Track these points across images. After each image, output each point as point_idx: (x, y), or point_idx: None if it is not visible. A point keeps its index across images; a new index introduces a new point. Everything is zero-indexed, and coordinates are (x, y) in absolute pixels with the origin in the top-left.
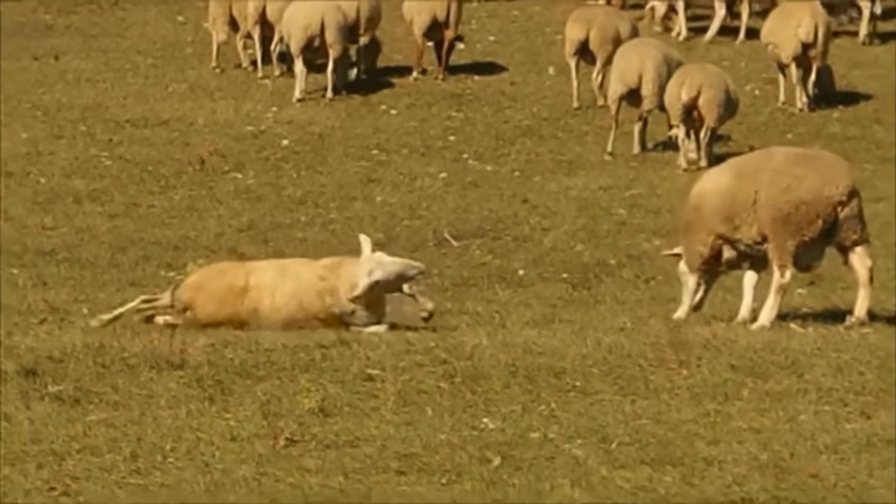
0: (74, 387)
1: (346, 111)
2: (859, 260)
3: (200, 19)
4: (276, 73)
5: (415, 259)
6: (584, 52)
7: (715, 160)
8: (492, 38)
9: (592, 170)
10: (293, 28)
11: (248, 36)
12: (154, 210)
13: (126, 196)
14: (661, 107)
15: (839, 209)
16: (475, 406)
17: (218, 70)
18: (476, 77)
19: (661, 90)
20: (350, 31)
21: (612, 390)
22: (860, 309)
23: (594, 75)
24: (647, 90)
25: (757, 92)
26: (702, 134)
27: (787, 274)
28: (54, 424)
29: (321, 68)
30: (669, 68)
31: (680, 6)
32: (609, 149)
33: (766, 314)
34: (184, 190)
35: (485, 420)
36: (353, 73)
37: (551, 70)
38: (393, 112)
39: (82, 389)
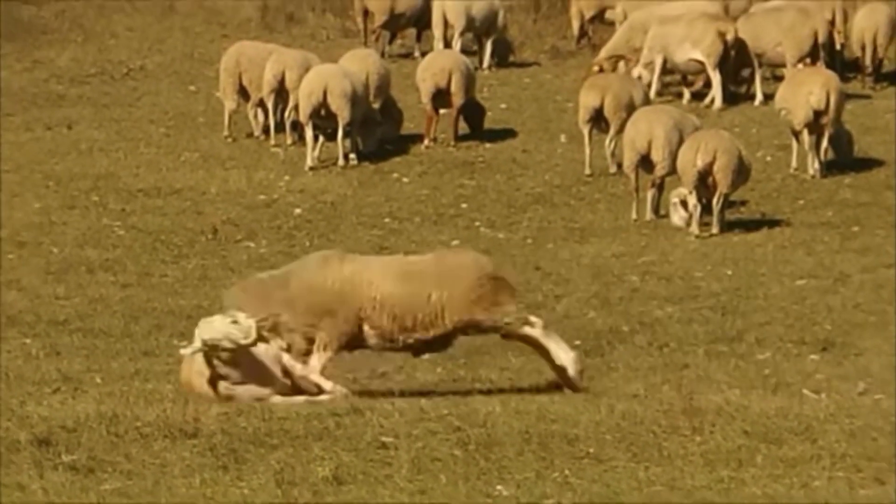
0: (88, 456)
1: (359, 179)
2: None
3: (212, 89)
4: (289, 141)
5: None
6: (597, 119)
7: (726, 227)
8: (503, 105)
9: (605, 237)
10: (300, 95)
11: (260, 104)
12: (167, 279)
13: (139, 266)
14: (674, 172)
15: None
16: (489, 473)
17: (230, 139)
18: (488, 144)
19: (673, 156)
20: (358, 98)
21: (626, 457)
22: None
23: (607, 142)
24: (658, 156)
25: (769, 158)
26: (715, 200)
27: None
28: (68, 494)
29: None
30: (681, 134)
31: (715, 79)
32: (634, 216)
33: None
34: (196, 259)
35: (499, 487)
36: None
37: (563, 138)
38: (405, 180)
39: (96, 459)
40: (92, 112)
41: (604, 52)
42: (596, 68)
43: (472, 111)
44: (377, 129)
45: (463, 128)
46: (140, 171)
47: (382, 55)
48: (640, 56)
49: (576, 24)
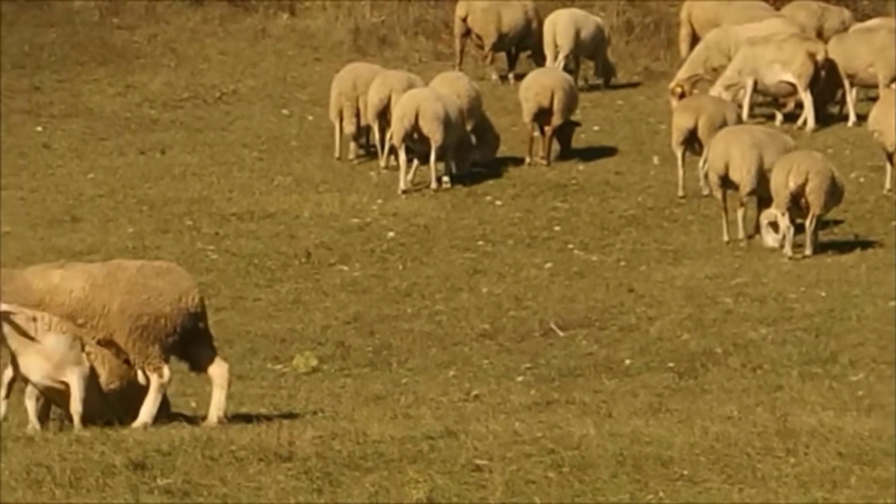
0: (183, 480)
1: (452, 202)
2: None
3: (305, 112)
4: (383, 164)
5: (521, 349)
6: (690, 140)
7: (820, 248)
8: (596, 127)
9: (698, 259)
10: (393, 118)
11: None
12: (260, 303)
13: (232, 289)
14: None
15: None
16: (583, 496)
17: (340, 161)
18: (581, 167)
19: (754, 176)
20: (451, 121)
21: (720, 479)
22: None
23: (700, 164)
24: (737, 176)
25: (862, 179)
26: (807, 222)
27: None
28: None
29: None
30: (762, 153)
31: (807, 100)
32: (725, 237)
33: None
34: (290, 283)
35: None
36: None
37: (656, 159)
38: (498, 203)
39: (191, 482)
40: (185, 136)
41: (682, 73)
42: (678, 89)
43: (563, 129)
44: (471, 153)
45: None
46: (233, 195)
47: (503, 79)
48: (721, 76)
49: (684, 48)
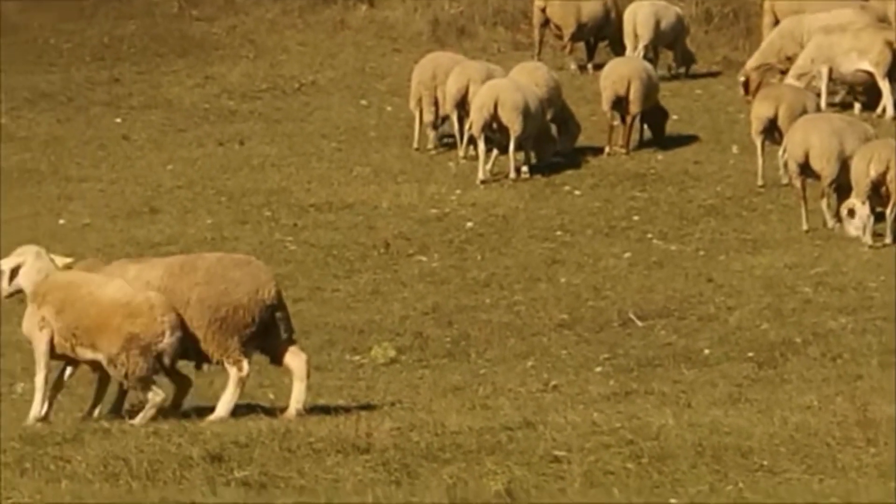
0: (260, 472)
1: (530, 192)
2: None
3: (383, 103)
4: (461, 154)
5: (600, 339)
6: (770, 130)
7: None
8: (675, 116)
9: (777, 248)
10: (472, 108)
11: (438, 117)
12: (338, 294)
13: (310, 280)
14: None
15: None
16: (662, 486)
17: (419, 152)
18: (660, 156)
19: (834, 164)
20: (530, 112)
21: (800, 469)
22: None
23: (780, 153)
24: (818, 165)
25: None
26: (888, 210)
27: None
28: None
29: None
30: (842, 142)
31: (886, 88)
32: (804, 226)
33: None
34: (368, 273)
35: (672, 501)
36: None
37: (735, 149)
38: (577, 192)
39: (268, 474)
40: (264, 127)
41: (753, 62)
42: (742, 78)
43: (655, 117)
44: (552, 143)
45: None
46: (312, 186)
47: (582, 69)
48: (793, 65)
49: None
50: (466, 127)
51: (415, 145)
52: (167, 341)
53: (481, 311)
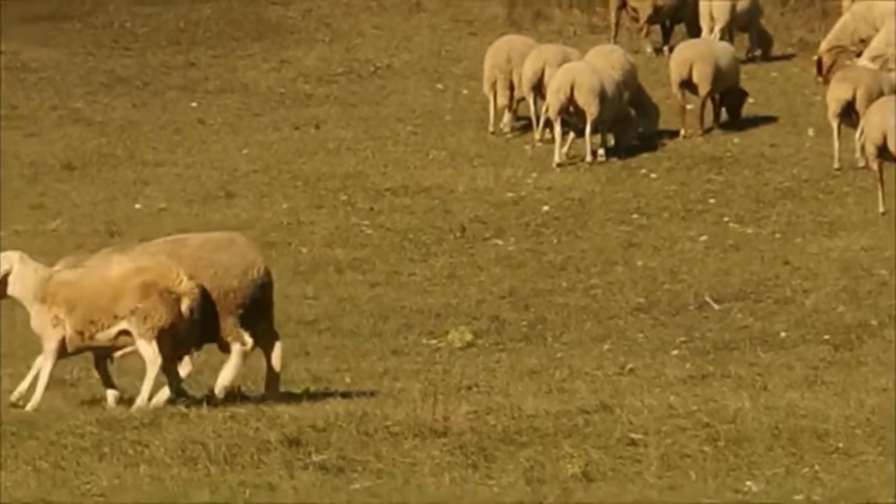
0: (338, 455)
1: (606, 175)
2: None
3: (459, 86)
4: (538, 137)
5: (676, 323)
6: (847, 112)
7: None
8: (751, 99)
9: (854, 231)
10: (548, 91)
11: (513, 100)
12: (415, 278)
13: (387, 264)
14: None
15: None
16: (738, 469)
17: (495, 135)
18: (736, 139)
19: None
20: (607, 95)
21: (876, 451)
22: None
23: (857, 135)
24: (895, 147)
25: None
26: None
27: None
28: (318, 494)
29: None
30: None
31: None
32: (881, 209)
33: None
34: (444, 257)
35: (748, 483)
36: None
37: (811, 131)
38: (653, 176)
39: (345, 458)
40: (339, 111)
41: (826, 44)
42: (815, 57)
43: (733, 98)
44: (632, 126)
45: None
46: (388, 170)
47: (658, 51)
48: (868, 48)
49: None
50: (542, 110)
51: (490, 129)
52: (185, 285)
53: (558, 294)
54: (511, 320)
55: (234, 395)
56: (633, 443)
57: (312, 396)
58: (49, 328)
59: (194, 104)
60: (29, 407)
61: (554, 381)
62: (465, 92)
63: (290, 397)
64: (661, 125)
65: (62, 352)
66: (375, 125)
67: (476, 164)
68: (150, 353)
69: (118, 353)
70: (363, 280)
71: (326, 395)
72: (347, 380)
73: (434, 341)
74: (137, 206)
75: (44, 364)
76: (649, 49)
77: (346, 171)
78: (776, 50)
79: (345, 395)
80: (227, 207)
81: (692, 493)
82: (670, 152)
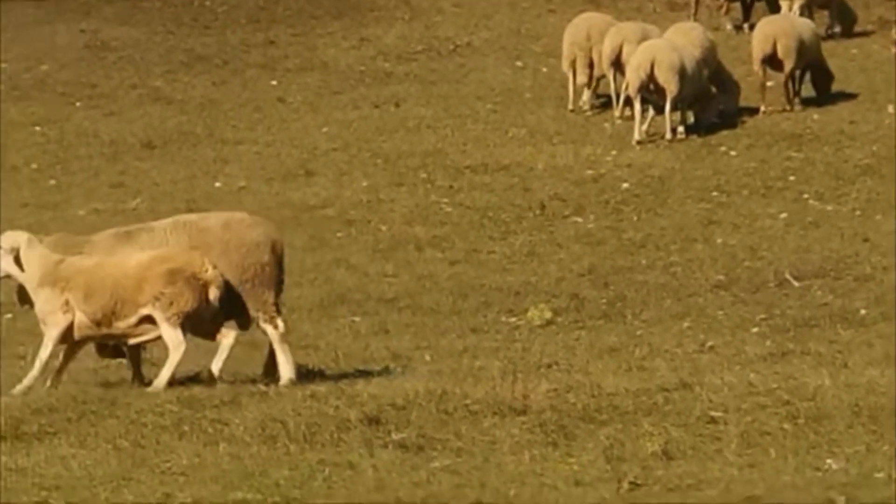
0: (418, 434)
1: (686, 153)
2: None
3: (538, 64)
4: (617, 115)
5: (756, 300)
6: None
7: None
8: None
9: None
10: (628, 69)
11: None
12: (494, 256)
13: (466, 242)
14: None
15: None
16: (819, 447)
17: (574, 113)
18: (815, 116)
19: None
20: (687, 72)
21: None
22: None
23: None
24: None
25: None
26: None
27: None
28: (398, 472)
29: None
30: None
31: None
32: None
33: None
34: (524, 235)
35: (828, 461)
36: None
37: (891, 108)
38: (733, 153)
39: (425, 436)
40: (419, 89)
41: None
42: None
43: (820, 75)
44: (713, 103)
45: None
46: (467, 148)
47: (738, 28)
48: None
49: None
50: (622, 87)
51: (570, 106)
52: (212, 273)
53: (637, 272)
54: (591, 298)
55: (314, 374)
56: (713, 420)
57: (392, 375)
58: (58, 314)
59: (274, 82)
60: (17, 391)
61: (634, 358)
62: (544, 69)
63: (370, 375)
64: (741, 102)
65: (65, 338)
66: (455, 103)
67: (556, 141)
68: (174, 337)
69: (131, 341)
70: (443, 258)
71: (406, 373)
72: (427, 358)
73: (514, 319)
74: (217, 184)
75: (43, 349)
76: (729, 26)
77: (425, 148)
78: (856, 27)
79: (425, 373)
80: (307, 185)
81: (772, 470)
82: (750, 129)
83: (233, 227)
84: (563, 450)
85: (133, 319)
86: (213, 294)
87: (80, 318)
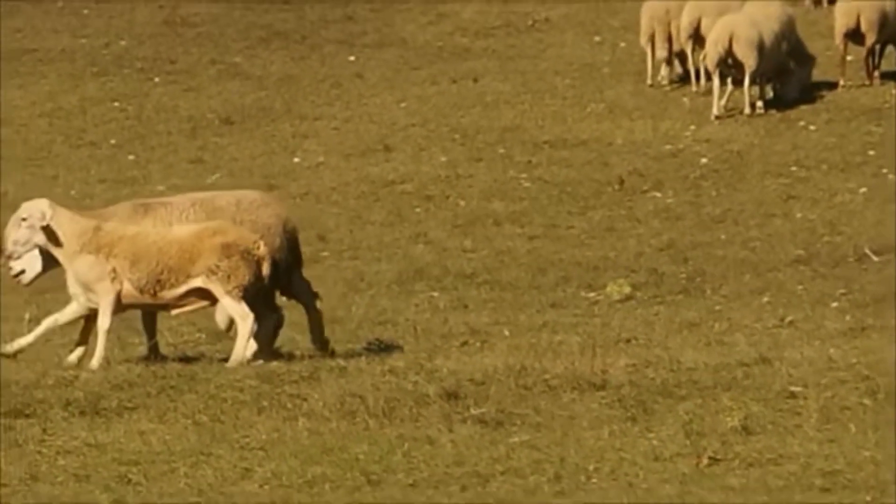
0: (496, 409)
1: (765, 128)
2: None
3: (617, 39)
4: (695, 89)
5: (835, 275)
6: None
7: None
8: None
9: None
10: (707, 43)
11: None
12: (573, 231)
13: (545, 217)
14: None
15: None
16: None
17: (653, 87)
18: (895, 91)
19: None
20: (766, 47)
21: None
22: None
23: None
24: None
25: None
26: None
27: None
28: (477, 447)
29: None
30: None
31: None
32: None
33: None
34: (603, 210)
35: None
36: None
37: None
38: (812, 128)
39: (504, 412)
40: (497, 65)
41: None
42: None
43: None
44: (793, 77)
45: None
46: (545, 123)
47: (817, 3)
48: None
49: None
50: (700, 62)
51: (648, 81)
52: (263, 250)
53: (716, 247)
54: (669, 273)
55: (392, 349)
56: (793, 395)
57: (471, 350)
58: (107, 281)
59: (352, 58)
60: (95, 362)
61: (713, 333)
62: (622, 44)
63: (449, 351)
64: (820, 77)
65: (119, 306)
66: (533, 78)
67: (634, 116)
68: (239, 310)
69: (174, 312)
70: (521, 233)
71: (485, 348)
72: (506, 333)
73: (592, 294)
74: (296, 159)
75: (103, 318)
76: (807, 1)
77: (503, 124)
78: None
79: (503, 348)
80: (385, 161)
81: (852, 445)
82: (829, 104)
83: (245, 207)
84: (642, 425)
85: (181, 289)
86: (266, 270)
87: (126, 286)
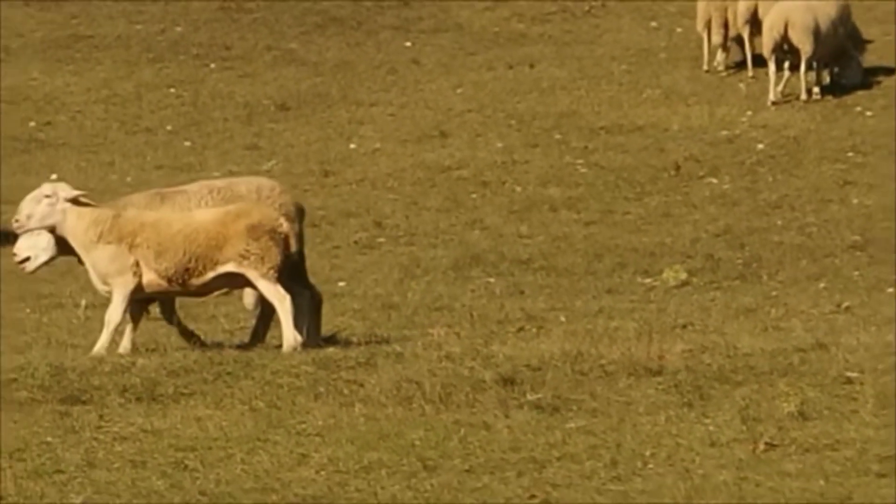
0: (553, 394)
1: (822, 113)
2: None
3: (673, 24)
4: (751, 75)
5: (892, 261)
6: None
7: None
8: None
9: None
10: (763, 29)
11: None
12: (629, 217)
13: (601, 203)
14: None
15: None
16: None
17: (709, 73)
18: None
19: None
20: (821, 32)
21: None
22: None
23: None
24: None
25: None
26: None
27: None
28: (533, 432)
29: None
30: None
31: None
32: None
33: None
34: (659, 196)
35: None
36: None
37: None
38: (868, 113)
39: (560, 397)
40: (553, 50)
41: None
42: None
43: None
44: (852, 63)
45: None
46: (602, 109)
47: None
48: None
49: None
50: (757, 46)
51: (704, 67)
52: (287, 226)
53: (773, 232)
54: (726, 259)
55: (449, 335)
56: (849, 381)
57: (527, 335)
58: (129, 275)
59: (408, 44)
60: (96, 351)
61: (769, 319)
62: (679, 30)
63: (505, 336)
64: (877, 62)
65: (142, 294)
66: (589, 64)
67: (690, 102)
68: (276, 293)
69: (202, 299)
70: (577, 219)
71: (541, 334)
72: (562, 319)
73: (648, 280)
74: (352, 145)
75: (114, 312)
76: None
77: (559, 110)
78: None
79: (559, 334)
80: (442, 147)
81: None
82: (886, 90)
83: (263, 194)
84: (699, 410)
85: (209, 276)
86: (294, 246)
87: (150, 276)
